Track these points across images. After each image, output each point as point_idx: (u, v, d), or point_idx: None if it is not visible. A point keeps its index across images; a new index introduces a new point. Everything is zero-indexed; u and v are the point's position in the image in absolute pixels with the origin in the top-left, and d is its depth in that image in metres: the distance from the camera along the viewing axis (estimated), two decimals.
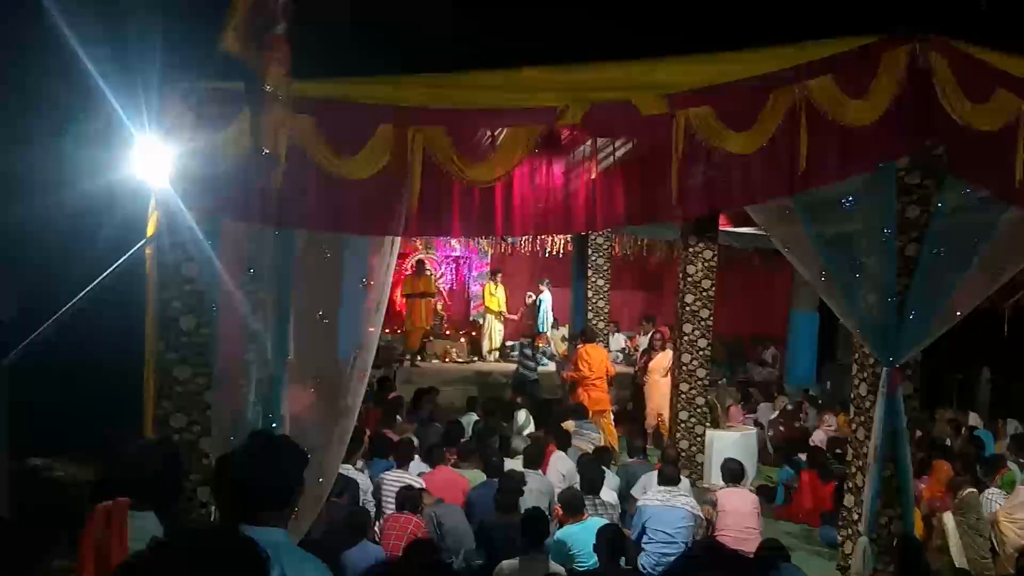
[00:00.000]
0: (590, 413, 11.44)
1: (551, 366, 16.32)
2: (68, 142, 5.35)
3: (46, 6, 4.70)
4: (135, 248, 5.44)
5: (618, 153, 6.22)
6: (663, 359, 12.73)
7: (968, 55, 5.96)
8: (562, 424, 10.31)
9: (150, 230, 5.52)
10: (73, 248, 5.86)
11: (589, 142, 6.15)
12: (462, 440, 9.34)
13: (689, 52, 5.78)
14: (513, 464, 8.33)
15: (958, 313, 6.68)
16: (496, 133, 5.83)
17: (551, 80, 5.74)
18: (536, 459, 8.30)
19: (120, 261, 5.32)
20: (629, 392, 14.38)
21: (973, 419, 13.50)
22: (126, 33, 4.96)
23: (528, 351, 14.35)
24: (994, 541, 8.33)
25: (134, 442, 5.16)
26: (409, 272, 16.77)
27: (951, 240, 6.57)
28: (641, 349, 13.94)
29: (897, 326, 6.47)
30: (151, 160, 5.25)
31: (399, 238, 6.14)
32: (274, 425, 5.54)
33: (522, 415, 11.51)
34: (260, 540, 2.08)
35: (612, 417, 12.66)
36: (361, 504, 7.33)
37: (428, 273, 17.12)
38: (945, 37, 5.95)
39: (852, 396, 7.34)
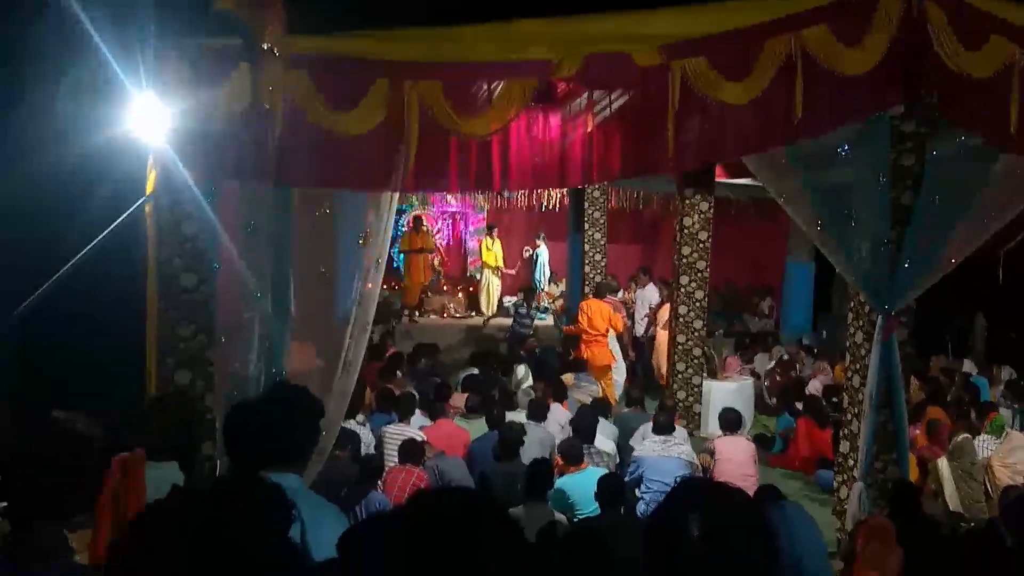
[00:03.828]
0: (589, 367, 11.50)
1: (549, 320, 16.39)
2: (65, 100, 5.35)
3: None
4: (135, 207, 5.46)
5: (614, 106, 6.22)
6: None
7: (962, 1, 5.96)
8: (561, 377, 10.40)
9: (149, 188, 5.54)
10: (73, 206, 5.88)
11: (585, 95, 6.15)
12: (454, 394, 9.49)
13: (683, 2, 5.78)
14: (514, 416, 8.42)
15: (952, 261, 6.72)
16: (492, 87, 5.83)
17: (545, 33, 5.73)
18: (540, 412, 8.40)
19: (119, 219, 5.34)
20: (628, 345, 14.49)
21: (967, 366, 13.62)
22: None
23: (523, 308, 14.39)
24: (987, 485, 8.46)
25: (144, 396, 5.22)
26: (406, 228, 16.79)
27: (945, 188, 6.58)
28: (656, 303, 14.03)
29: (892, 274, 6.51)
30: (149, 118, 5.25)
31: (397, 194, 6.17)
32: (278, 380, 5.59)
33: (521, 369, 11.61)
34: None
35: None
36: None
37: (425, 229, 17.13)
38: None
39: (848, 344, 7.41)
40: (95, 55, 4.98)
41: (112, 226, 5.29)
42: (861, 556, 5.41)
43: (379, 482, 6.77)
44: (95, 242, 5.17)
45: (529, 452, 7.26)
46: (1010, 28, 5.99)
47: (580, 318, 12.19)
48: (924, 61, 5.94)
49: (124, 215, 5.41)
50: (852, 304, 7.32)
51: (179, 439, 3.55)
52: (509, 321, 15.06)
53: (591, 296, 12.87)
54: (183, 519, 1.83)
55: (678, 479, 7.18)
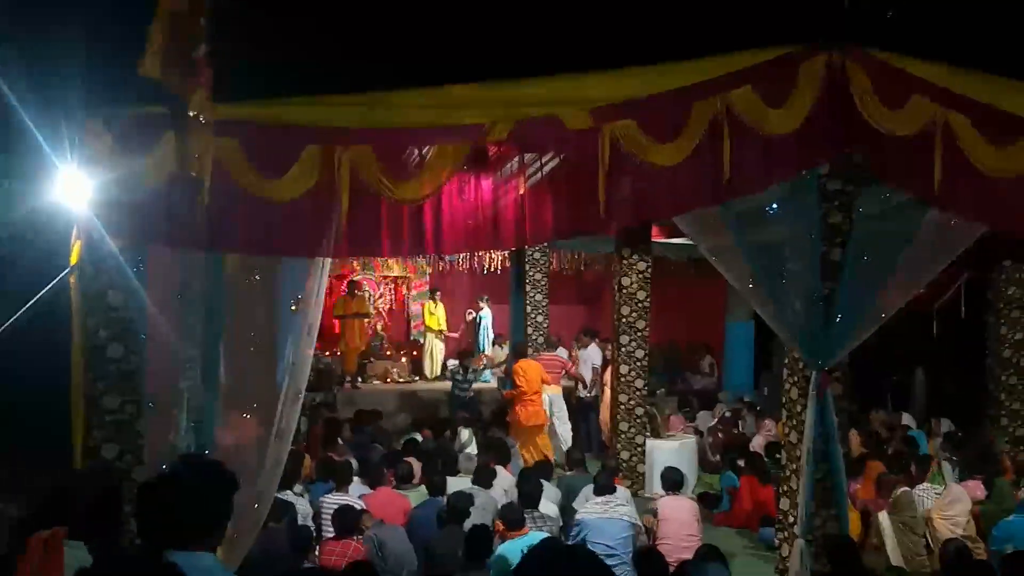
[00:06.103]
0: (525, 428, 11.49)
1: (492, 382, 16.29)
2: None
3: None
4: (59, 277, 5.34)
5: (546, 168, 6.27)
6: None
7: (883, 62, 6.09)
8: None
9: (73, 259, 5.43)
10: None
11: (517, 158, 6.19)
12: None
13: (612, 66, 5.84)
14: (455, 481, 8.32)
15: (883, 315, 6.80)
16: (424, 151, 5.84)
17: (477, 97, 5.75)
18: (486, 477, 8.29)
19: (44, 291, 5.23)
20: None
21: (906, 419, 13.78)
22: (46, 60, 4.89)
23: (460, 373, 14.29)
24: (928, 538, 8.50)
25: (67, 473, 5.07)
26: (342, 293, 16.65)
27: (874, 244, 6.70)
28: (598, 363, 14.07)
29: (824, 330, 6.58)
30: (73, 188, 5.17)
31: (329, 260, 6.11)
32: (207, 452, 5.46)
33: (465, 433, 11.51)
34: (188, 565, 2.06)
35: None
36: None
37: (360, 294, 16.96)
38: (861, 46, 6.09)
39: (784, 400, 7.45)
40: (19, 126, 4.90)
41: (36, 298, 5.18)
42: None
43: (313, 554, 6.62)
44: (18, 314, 5.05)
45: (472, 518, 7.15)
46: (930, 87, 6.14)
47: (518, 381, 12.10)
48: (849, 120, 6.05)
49: (48, 287, 5.29)
50: (787, 360, 7.38)
51: (99, 518, 3.43)
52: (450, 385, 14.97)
53: (516, 358, 12.88)
54: None
55: (620, 542, 7.15)
